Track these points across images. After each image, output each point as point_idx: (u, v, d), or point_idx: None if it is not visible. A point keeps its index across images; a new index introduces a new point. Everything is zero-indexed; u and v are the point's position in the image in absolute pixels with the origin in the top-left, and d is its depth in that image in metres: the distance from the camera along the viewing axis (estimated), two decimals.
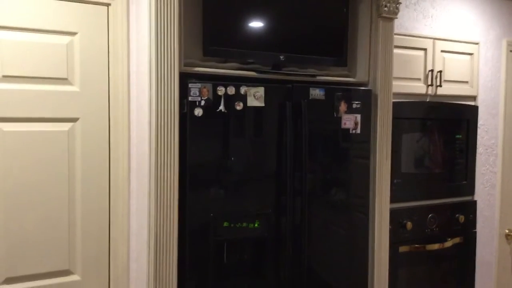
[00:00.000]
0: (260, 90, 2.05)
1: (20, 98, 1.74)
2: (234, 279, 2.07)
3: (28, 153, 1.77)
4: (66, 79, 1.82)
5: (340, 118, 2.27)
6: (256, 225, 2.08)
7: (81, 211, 1.87)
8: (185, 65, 1.96)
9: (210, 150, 1.99)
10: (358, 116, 2.32)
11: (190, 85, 1.91)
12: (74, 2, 1.82)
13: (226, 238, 2.03)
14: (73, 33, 1.82)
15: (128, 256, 1.94)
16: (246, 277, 2.11)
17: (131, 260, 1.95)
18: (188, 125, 1.93)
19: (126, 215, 1.92)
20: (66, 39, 1.81)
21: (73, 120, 1.85)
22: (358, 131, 2.33)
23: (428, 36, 2.74)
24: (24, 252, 1.78)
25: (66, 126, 1.83)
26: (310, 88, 2.18)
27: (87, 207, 1.88)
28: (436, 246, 2.76)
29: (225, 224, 2.02)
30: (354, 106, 2.30)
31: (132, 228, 1.95)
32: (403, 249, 2.66)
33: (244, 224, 2.06)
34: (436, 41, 2.76)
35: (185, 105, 1.93)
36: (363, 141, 2.37)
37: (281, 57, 2.18)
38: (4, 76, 1.71)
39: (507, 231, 3.18)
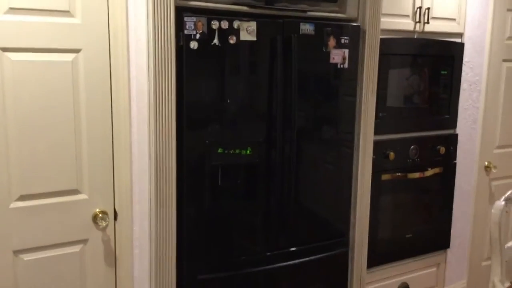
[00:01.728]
0: (253, 25, 2.16)
1: (26, 29, 1.85)
2: (228, 201, 2.27)
3: (36, 82, 1.90)
4: (68, 11, 1.92)
5: (329, 53, 2.39)
6: (248, 151, 2.25)
7: (87, 136, 2.03)
8: None
9: (205, 82, 2.13)
10: (346, 51, 2.44)
11: (185, 18, 2.02)
12: None
13: (221, 163, 2.20)
14: None
15: (131, 179, 2.11)
16: (239, 200, 2.31)
17: (133, 183, 2.12)
18: (184, 57, 2.05)
19: (128, 142, 2.08)
20: None
21: (76, 51, 1.97)
22: (346, 66, 2.46)
23: None
24: (36, 173, 1.95)
25: (70, 57, 1.96)
26: (301, 23, 2.29)
27: (92, 133, 2.04)
28: (417, 175, 2.96)
29: (220, 150, 2.19)
30: (343, 41, 2.42)
31: (134, 155, 2.11)
32: (385, 177, 2.86)
33: (237, 151, 2.23)
34: None
35: (181, 38, 2.04)
36: (351, 78, 2.50)
37: None
38: (11, 8, 1.82)
39: (486, 163, 3.37)
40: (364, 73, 2.51)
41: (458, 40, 3.06)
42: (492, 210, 1.85)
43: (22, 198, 1.94)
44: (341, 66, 2.44)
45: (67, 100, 1.97)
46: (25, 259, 1.97)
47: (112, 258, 2.16)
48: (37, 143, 1.94)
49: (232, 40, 2.12)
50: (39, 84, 1.91)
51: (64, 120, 1.98)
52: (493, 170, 3.37)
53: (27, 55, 1.87)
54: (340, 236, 2.63)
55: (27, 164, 1.93)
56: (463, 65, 3.09)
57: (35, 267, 1.99)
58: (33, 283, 2.00)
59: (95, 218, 2.09)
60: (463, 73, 3.11)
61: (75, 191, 2.04)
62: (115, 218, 2.14)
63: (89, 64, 2.00)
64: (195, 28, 2.04)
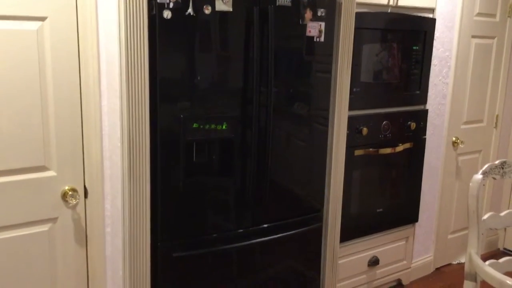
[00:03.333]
0: None
1: None
2: (202, 177, 2.21)
3: None
4: None
5: (305, 25, 2.34)
6: (223, 127, 2.19)
7: (54, 110, 1.92)
8: None
9: (179, 54, 2.04)
10: (323, 24, 2.40)
11: None
12: None
13: (195, 138, 2.14)
14: None
15: (101, 154, 2.03)
16: (214, 176, 2.26)
17: (104, 158, 2.04)
18: (157, 27, 1.96)
19: (98, 115, 1.99)
20: None
21: (41, 19, 1.84)
22: (322, 39, 2.42)
23: None
24: (0, 149, 1.83)
25: (35, 25, 1.83)
26: None
27: (60, 106, 1.93)
28: (388, 150, 2.98)
29: (195, 125, 2.12)
30: (319, 14, 2.37)
31: (104, 128, 2.02)
32: (358, 152, 2.86)
33: (213, 126, 2.17)
34: None
35: (154, 7, 1.95)
36: (327, 52, 2.46)
37: None
38: None
39: (454, 138, 3.43)
40: (340, 47, 2.48)
41: (430, 15, 3.06)
42: (470, 184, 1.87)
43: None
44: (317, 39, 2.39)
45: (32, 71, 1.85)
46: None
47: (83, 237, 2.08)
48: (0, 117, 1.82)
49: (207, 9, 2.04)
50: (2, 54, 1.78)
51: (30, 93, 1.86)
52: (461, 146, 3.44)
53: None
54: (314, 211, 2.62)
55: None
56: (434, 40, 3.11)
57: (2, 247, 1.89)
58: (1, 264, 1.90)
59: (64, 195, 2.00)
60: (434, 49, 3.12)
61: (42, 168, 1.94)
62: (86, 195, 2.05)
63: (56, 32, 1.88)
64: None
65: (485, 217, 1.90)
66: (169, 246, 2.15)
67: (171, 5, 1.96)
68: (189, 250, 2.21)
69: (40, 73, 1.87)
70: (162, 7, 1.94)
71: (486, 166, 1.91)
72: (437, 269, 3.63)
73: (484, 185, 1.87)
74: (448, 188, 3.51)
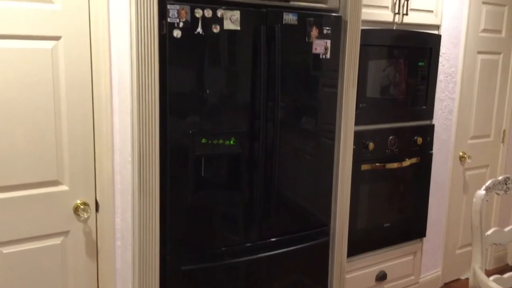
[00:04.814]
0: (236, 14, 2.14)
1: (3, 16, 1.79)
2: (211, 191, 2.26)
3: (15, 70, 1.84)
4: None
5: (312, 43, 2.40)
6: (231, 142, 2.24)
7: (67, 126, 1.98)
8: None
9: (188, 71, 2.10)
10: (328, 42, 2.45)
11: (168, 6, 1.98)
12: None
13: (204, 153, 2.18)
14: None
15: (112, 169, 2.08)
16: (222, 190, 2.30)
17: (115, 173, 2.09)
18: (167, 46, 2.02)
19: (110, 131, 2.04)
20: None
21: (56, 38, 1.91)
22: (328, 56, 2.47)
23: None
24: (15, 164, 1.89)
25: (49, 44, 1.90)
26: (284, 13, 2.28)
27: (72, 122, 1.99)
28: (395, 165, 3.01)
29: (203, 140, 2.17)
30: (325, 31, 2.42)
31: (115, 143, 2.08)
32: (365, 167, 2.89)
33: (221, 141, 2.21)
34: None
35: (164, 27, 2.01)
36: (333, 68, 2.51)
37: None
38: None
39: (461, 153, 3.45)
40: (346, 63, 2.52)
41: (435, 32, 3.11)
42: (474, 199, 1.89)
43: (1, 189, 1.88)
44: (323, 56, 2.44)
45: (46, 88, 1.92)
46: (4, 252, 1.92)
47: (94, 250, 2.12)
48: (15, 133, 1.88)
49: (216, 29, 2.10)
50: (18, 72, 1.85)
51: (44, 109, 1.92)
52: (468, 160, 3.46)
53: (5, 42, 1.81)
54: (321, 226, 2.65)
55: (6, 155, 1.87)
56: (439, 56, 3.14)
57: (15, 260, 1.94)
58: (13, 276, 1.95)
59: (76, 209, 2.05)
60: (439, 65, 3.16)
61: (55, 182, 2.00)
62: (97, 209, 2.10)
63: (69, 52, 1.95)
64: (179, 16, 2.01)
65: (489, 232, 1.92)
66: (177, 259, 2.19)
67: (181, 24, 2.02)
68: (197, 264, 2.24)
69: (54, 91, 1.94)
70: (172, 26, 2.00)
71: (489, 181, 1.93)
72: (445, 284, 3.62)
73: (487, 200, 1.89)
74: (455, 203, 3.52)
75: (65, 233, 2.05)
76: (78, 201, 2.05)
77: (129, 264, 2.16)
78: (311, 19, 2.36)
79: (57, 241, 2.03)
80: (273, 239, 2.46)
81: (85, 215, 2.05)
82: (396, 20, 2.88)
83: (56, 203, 2.00)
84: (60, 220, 2.02)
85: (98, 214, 2.10)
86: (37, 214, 1.97)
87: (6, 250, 1.92)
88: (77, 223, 2.07)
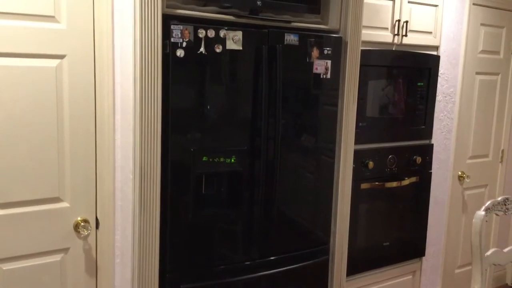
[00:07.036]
0: (239, 34, 2.17)
1: (10, 34, 1.82)
2: (211, 209, 2.26)
3: (19, 87, 1.86)
4: (53, 16, 1.90)
5: (312, 63, 2.43)
6: (232, 160, 2.25)
7: (69, 143, 2.00)
8: (167, 7, 2.06)
9: (191, 90, 2.12)
10: (329, 62, 2.48)
11: (172, 26, 2.01)
12: None
13: (205, 171, 2.20)
14: None
15: (113, 186, 2.09)
16: (222, 208, 2.31)
17: (116, 189, 2.10)
18: (170, 65, 2.05)
19: (112, 148, 2.06)
20: None
21: (61, 57, 1.94)
22: (328, 76, 2.50)
23: None
24: (17, 180, 1.90)
25: (54, 63, 1.93)
26: (285, 34, 2.32)
27: (75, 139, 2.01)
28: (394, 184, 3.02)
29: (204, 158, 2.18)
30: (326, 52, 2.45)
31: (117, 160, 2.09)
32: (364, 186, 2.90)
33: (222, 159, 2.23)
34: None
35: (168, 46, 2.04)
36: (333, 88, 2.54)
37: (258, 2, 2.29)
38: None
39: (459, 173, 3.46)
40: (346, 83, 2.55)
41: (434, 52, 3.14)
42: (473, 220, 1.90)
43: (2, 206, 1.89)
44: (324, 76, 2.47)
45: (50, 106, 1.94)
46: (4, 268, 1.92)
47: (93, 268, 2.12)
48: (18, 150, 1.89)
49: (218, 48, 2.13)
50: (22, 90, 1.87)
51: (47, 126, 1.94)
52: (466, 180, 3.47)
53: (10, 60, 1.84)
54: (321, 244, 2.65)
55: (7, 171, 1.88)
56: (438, 77, 3.18)
57: (15, 277, 1.94)
58: None
59: (76, 226, 2.05)
60: (438, 85, 3.19)
61: (56, 199, 2.01)
62: (97, 226, 2.11)
63: (74, 70, 1.97)
64: (182, 36, 2.04)
65: (489, 253, 1.92)
66: (177, 277, 2.19)
67: (184, 44, 2.05)
68: (196, 282, 2.24)
69: (58, 108, 1.95)
70: (175, 46, 2.03)
71: (488, 202, 1.94)
72: None
73: (487, 221, 1.90)
74: (454, 222, 3.52)
75: (65, 250, 2.05)
76: (79, 218, 2.06)
77: (128, 282, 2.16)
78: (312, 39, 2.39)
79: (57, 258, 2.03)
80: (273, 258, 2.46)
81: (85, 232, 2.05)
82: (396, 41, 2.92)
83: (56, 220, 2.01)
84: (60, 237, 2.03)
85: (98, 231, 2.10)
86: (38, 231, 1.97)
87: (6, 266, 1.92)
88: (77, 240, 2.07)
